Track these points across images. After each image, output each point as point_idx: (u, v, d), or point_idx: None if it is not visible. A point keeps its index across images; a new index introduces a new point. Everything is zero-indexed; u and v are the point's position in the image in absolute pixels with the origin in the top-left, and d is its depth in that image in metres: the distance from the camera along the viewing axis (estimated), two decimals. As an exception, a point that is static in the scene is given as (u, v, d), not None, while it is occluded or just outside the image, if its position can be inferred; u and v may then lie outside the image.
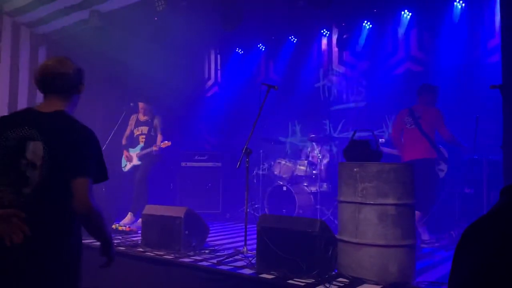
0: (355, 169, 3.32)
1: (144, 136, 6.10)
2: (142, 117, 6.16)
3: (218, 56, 8.85)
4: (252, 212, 6.36)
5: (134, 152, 6.08)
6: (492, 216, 0.73)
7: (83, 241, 1.88)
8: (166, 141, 5.92)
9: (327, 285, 3.03)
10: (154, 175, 6.27)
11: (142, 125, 6.15)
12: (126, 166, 6.14)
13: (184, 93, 7.91)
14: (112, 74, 7.13)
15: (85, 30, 6.61)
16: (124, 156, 6.10)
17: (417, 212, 4.66)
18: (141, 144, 6.09)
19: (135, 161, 6.06)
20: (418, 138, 4.89)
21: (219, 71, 8.86)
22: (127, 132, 6.20)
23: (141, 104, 6.17)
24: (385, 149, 5.60)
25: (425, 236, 4.76)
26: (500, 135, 3.37)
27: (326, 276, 3.24)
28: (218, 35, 7.29)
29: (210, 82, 8.94)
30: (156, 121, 6.17)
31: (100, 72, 7.25)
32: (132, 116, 6.23)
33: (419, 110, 4.99)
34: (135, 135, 6.14)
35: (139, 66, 6.81)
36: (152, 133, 6.09)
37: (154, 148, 5.93)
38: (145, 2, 6.01)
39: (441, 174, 5.08)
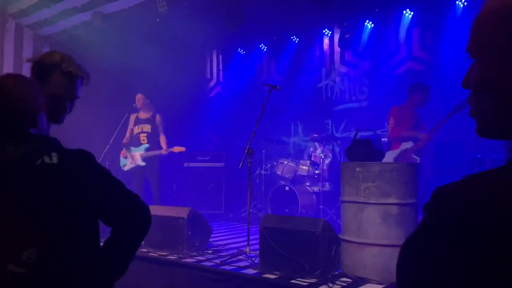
0: (357, 169, 3.33)
1: (145, 135, 5.86)
2: (142, 115, 5.95)
3: (220, 57, 8.87)
4: (255, 212, 6.39)
5: (138, 152, 5.85)
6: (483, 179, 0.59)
7: None
8: (179, 146, 5.78)
9: (330, 285, 3.04)
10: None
11: (143, 123, 5.90)
12: (127, 165, 5.90)
13: (187, 94, 7.93)
14: (114, 75, 7.16)
15: (88, 31, 6.64)
16: (122, 154, 5.90)
17: None
18: (146, 144, 5.84)
19: (139, 162, 5.83)
20: None
21: (221, 72, 8.88)
22: (128, 132, 5.99)
23: (138, 96, 5.92)
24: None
25: None
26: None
27: (329, 276, 3.25)
28: (220, 35, 7.30)
29: (212, 83, 8.95)
30: (158, 119, 5.92)
31: (102, 73, 7.27)
32: (131, 116, 6.02)
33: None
34: (135, 133, 5.91)
35: (142, 67, 6.82)
36: (154, 132, 5.91)
37: (164, 153, 5.77)
38: (147, 3, 6.03)
39: None
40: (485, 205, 0.55)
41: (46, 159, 1.25)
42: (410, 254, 0.65)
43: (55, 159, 1.26)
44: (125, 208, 1.37)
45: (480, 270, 0.53)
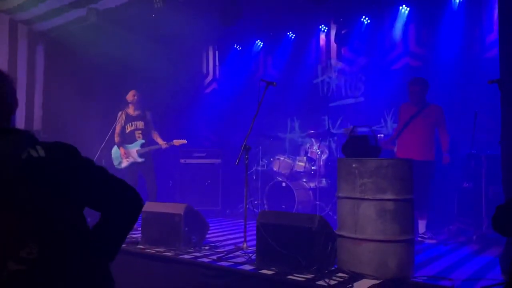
0: (353, 165, 3.33)
1: (140, 132, 5.88)
2: (133, 112, 5.93)
3: (217, 52, 8.84)
4: (252, 208, 6.37)
5: (134, 149, 5.86)
6: None
7: None
8: (179, 139, 5.89)
9: (327, 280, 3.05)
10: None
11: (135, 120, 5.91)
12: (122, 163, 5.87)
13: (183, 90, 7.90)
14: (109, 71, 7.12)
15: (83, 27, 6.59)
16: (121, 153, 5.86)
17: None
18: (141, 140, 5.87)
19: (136, 158, 5.83)
20: None
21: (217, 67, 8.85)
22: (118, 129, 5.90)
23: (132, 92, 5.89)
24: None
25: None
26: (499, 130, 3.38)
27: (326, 272, 3.26)
28: (216, 31, 7.28)
29: (208, 79, 8.93)
30: (149, 116, 5.98)
31: (97, 69, 7.24)
32: (120, 113, 5.93)
33: None
34: (127, 130, 5.90)
35: (137, 63, 6.79)
36: (147, 128, 5.93)
37: (164, 146, 5.84)
38: (142, -1, 6.00)
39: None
40: None
41: (33, 152, 1.23)
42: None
43: (42, 152, 1.24)
44: (113, 194, 1.38)
45: None
